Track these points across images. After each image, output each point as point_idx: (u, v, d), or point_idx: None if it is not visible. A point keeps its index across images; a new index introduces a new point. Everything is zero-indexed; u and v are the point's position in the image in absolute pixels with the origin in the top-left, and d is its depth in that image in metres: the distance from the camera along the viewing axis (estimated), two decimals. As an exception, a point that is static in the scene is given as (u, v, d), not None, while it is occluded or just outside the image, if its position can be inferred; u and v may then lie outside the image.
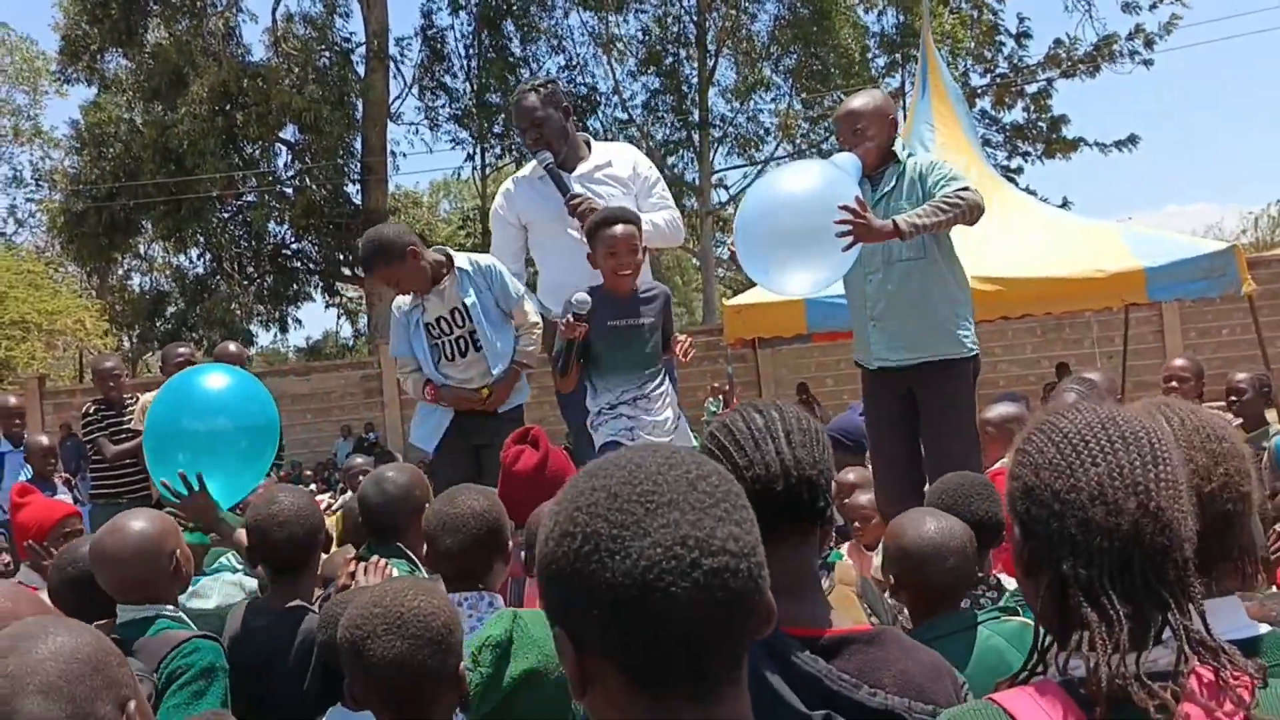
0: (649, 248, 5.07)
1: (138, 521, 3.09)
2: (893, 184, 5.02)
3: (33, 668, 1.59)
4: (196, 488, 4.05)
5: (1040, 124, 29.90)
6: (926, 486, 4.71)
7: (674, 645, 1.15)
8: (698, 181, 28.85)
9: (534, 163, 5.53)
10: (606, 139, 28.84)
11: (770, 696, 1.69)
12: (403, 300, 5.39)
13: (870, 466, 5.37)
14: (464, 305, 5.29)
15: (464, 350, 5.33)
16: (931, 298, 4.96)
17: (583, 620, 1.18)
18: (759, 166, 30.67)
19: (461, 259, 5.37)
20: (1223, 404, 6.31)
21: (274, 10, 29.19)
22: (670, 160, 29.06)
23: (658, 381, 4.79)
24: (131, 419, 7.78)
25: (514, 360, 5.35)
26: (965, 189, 4.82)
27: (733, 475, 1.28)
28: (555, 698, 2.50)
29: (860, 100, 5.20)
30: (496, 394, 5.30)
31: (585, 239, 4.83)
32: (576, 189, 5.26)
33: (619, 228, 4.65)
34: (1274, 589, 2.97)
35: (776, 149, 30.27)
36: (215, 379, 4.84)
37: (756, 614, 1.20)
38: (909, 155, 5.12)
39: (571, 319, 4.58)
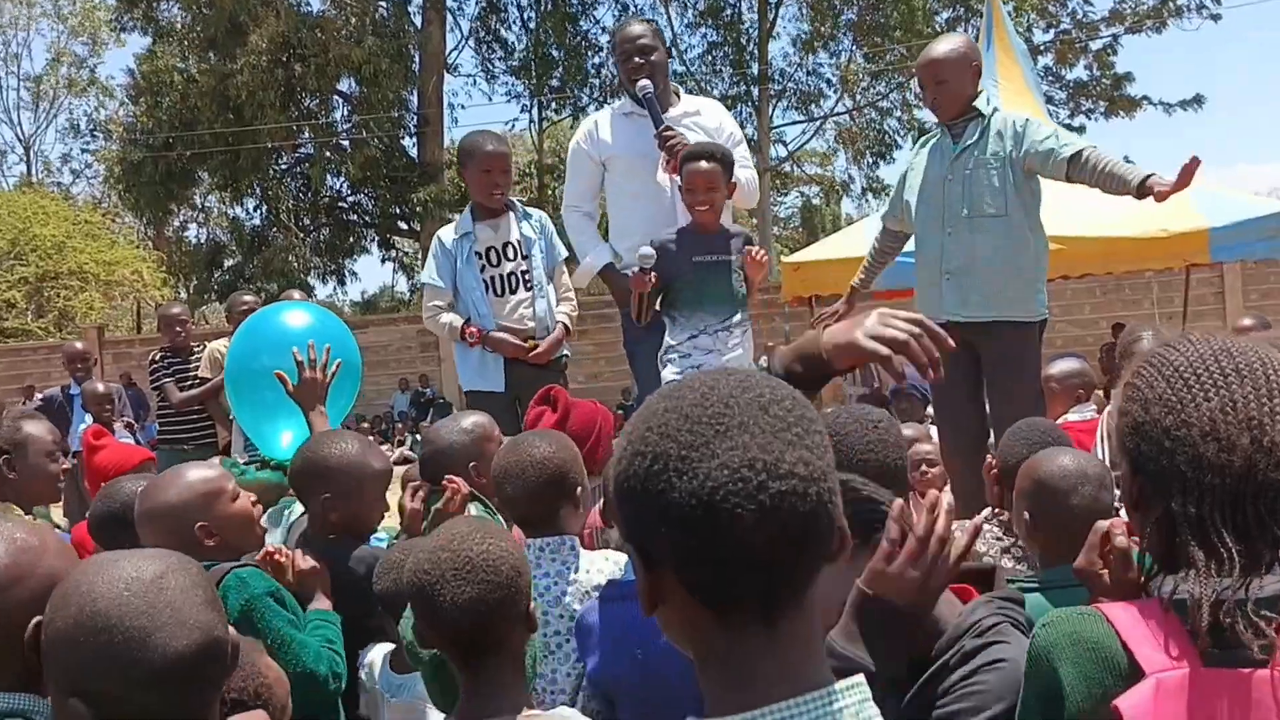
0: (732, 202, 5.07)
1: (162, 489, 2.97)
2: (976, 136, 4.94)
3: (185, 588, 1.66)
4: (322, 363, 3.94)
5: (1103, 82, 29.43)
6: (991, 440, 4.72)
7: (740, 567, 1.15)
8: (755, 137, 28.64)
9: (619, 102, 5.51)
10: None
11: None
12: (448, 231, 5.40)
13: (937, 422, 5.35)
14: (521, 238, 5.31)
15: (514, 287, 5.32)
16: (1010, 257, 4.89)
17: (651, 539, 1.19)
18: (818, 122, 30.42)
19: (515, 201, 5.45)
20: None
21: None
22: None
23: (740, 323, 4.80)
24: (199, 366, 7.91)
25: (560, 322, 5.39)
26: (1079, 154, 4.75)
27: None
28: None
29: (943, 47, 5.07)
30: (545, 348, 5.31)
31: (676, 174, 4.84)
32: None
33: (702, 163, 4.66)
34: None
35: (836, 104, 30.00)
36: (296, 316, 4.86)
37: (827, 539, 1.20)
38: (994, 110, 5.02)
39: (639, 271, 4.62)
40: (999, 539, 3.32)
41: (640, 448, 1.20)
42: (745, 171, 5.29)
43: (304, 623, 2.83)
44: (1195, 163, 4.41)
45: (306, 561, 3.01)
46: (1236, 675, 1.41)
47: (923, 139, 5.42)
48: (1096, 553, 1.92)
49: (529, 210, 5.55)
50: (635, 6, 29.58)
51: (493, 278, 5.32)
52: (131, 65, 30.11)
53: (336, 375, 4.01)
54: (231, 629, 1.73)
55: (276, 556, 2.99)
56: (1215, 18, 28.49)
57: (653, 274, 4.64)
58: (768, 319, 20.98)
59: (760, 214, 29.35)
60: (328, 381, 3.95)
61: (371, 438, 19.34)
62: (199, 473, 3.05)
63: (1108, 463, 3.07)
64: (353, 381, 4.70)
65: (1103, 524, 1.93)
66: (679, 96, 5.48)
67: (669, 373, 4.69)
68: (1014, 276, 4.91)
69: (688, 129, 5.22)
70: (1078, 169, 4.77)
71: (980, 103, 5.00)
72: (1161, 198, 4.51)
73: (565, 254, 5.47)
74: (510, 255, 5.33)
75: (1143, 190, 4.56)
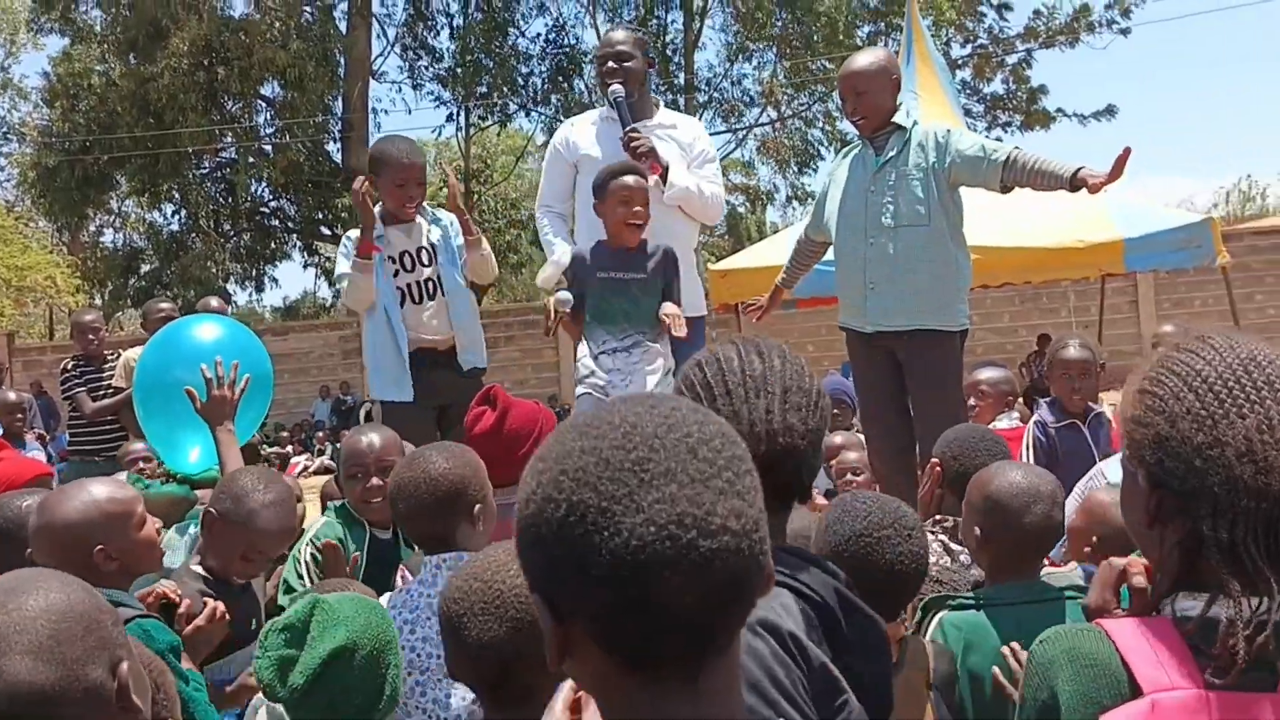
0: (688, 212, 5.09)
1: (64, 504, 2.75)
2: (898, 149, 4.97)
3: (22, 625, 1.50)
4: (230, 379, 3.90)
5: (1019, 95, 29.97)
6: (918, 448, 4.79)
7: (664, 627, 1.06)
8: (679, 146, 28.71)
9: (598, 111, 5.49)
10: (591, 100, 28.70)
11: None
12: (353, 234, 5.33)
13: (863, 429, 5.41)
14: (431, 244, 5.29)
15: (431, 294, 5.28)
16: (933, 267, 4.92)
17: (564, 593, 1.09)
18: (743, 133, 30.63)
19: (424, 205, 5.42)
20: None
21: (256, -36, 28.88)
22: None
23: (645, 345, 4.66)
24: (113, 375, 7.69)
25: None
26: (1009, 159, 4.81)
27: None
28: (365, 673, 2.30)
29: (863, 60, 5.11)
30: (462, 208, 5.35)
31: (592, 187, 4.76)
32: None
33: (632, 178, 4.61)
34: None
35: (760, 115, 30.21)
36: (207, 329, 4.82)
37: (756, 590, 1.11)
38: (915, 123, 5.07)
39: (553, 309, 4.65)
40: (945, 546, 3.27)
41: (553, 493, 1.08)
42: (711, 186, 5.29)
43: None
44: (1127, 153, 4.47)
45: (204, 609, 2.84)
46: (1245, 699, 1.36)
47: (844, 151, 5.45)
48: (1111, 591, 1.82)
49: (438, 214, 5.49)
50: (562, 15, 29.64)
51: (409, 284, 5.26)
52: (47, 68, 29.47)
53: (246, 390, 3.98)
54: (125, 666, 1.59)
55: (172, 597, 2.83)
56: (1125, 32, 29.17)
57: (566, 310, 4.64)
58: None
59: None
60: (236, 399, 3.90)
61: (290, 447, 19.03)
62: (107, 491, 2.84)
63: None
64: (263, 394, 4.68)
65: (1118, 561, 1.82)
66: (659, 108, 5.45)
67: (579, 390, 4.67)
68: (936, 286, 4.93)
69: (662, 140, 5.21)
70: (1010, 171, 4.81)
71: (901, 117, 5.04)
72: (1095, 189, 4.57)
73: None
74: (425, 260, 5.28)
75: (1075, 183, 4.61)
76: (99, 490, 2.81)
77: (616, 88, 5.15)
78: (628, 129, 5.05)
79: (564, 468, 1.09)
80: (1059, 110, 29.54)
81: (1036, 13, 29.80)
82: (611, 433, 1.09)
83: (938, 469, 3.38)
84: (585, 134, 5.37)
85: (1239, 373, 1.43)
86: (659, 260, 4.72)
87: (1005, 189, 4.92)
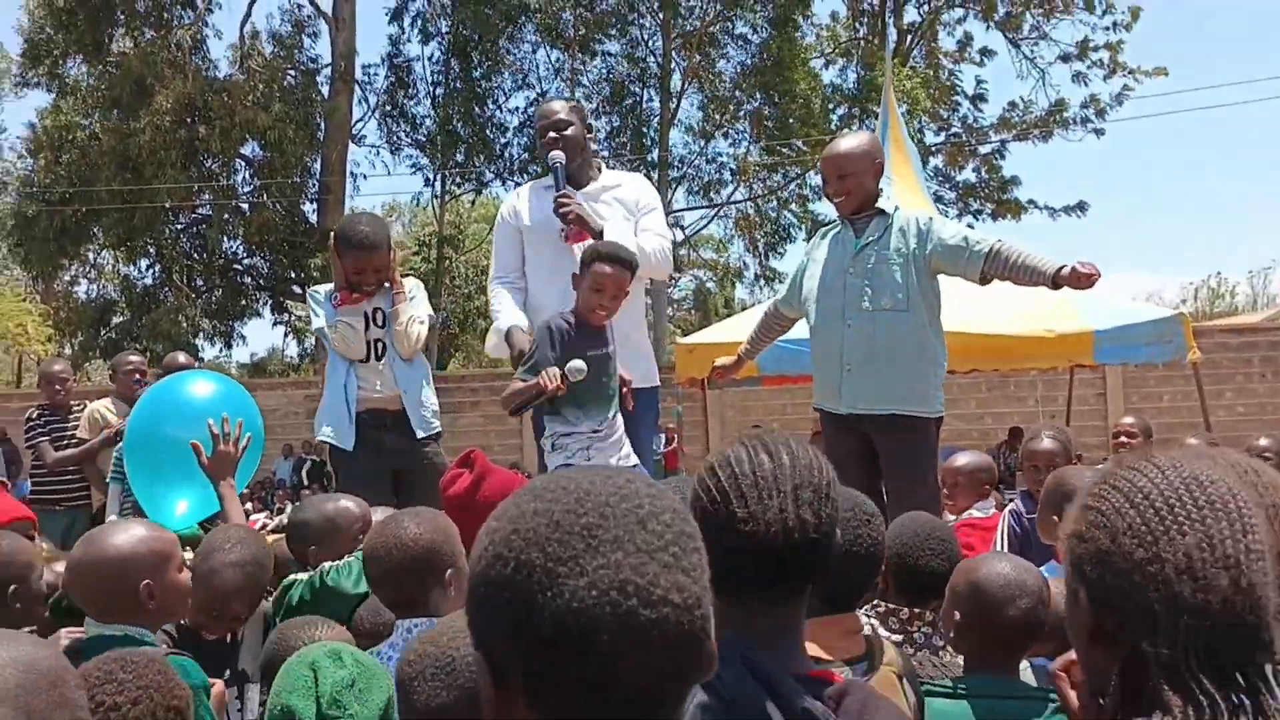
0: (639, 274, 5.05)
1: (115, 538, 2.86)
2: (880, 233, 4.99)
3: None
4: (235, 436, 3.98)
5: (991, 184, 30.38)
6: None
7: (602, 695, 1.07)
8: (654, 221, 28.91)
9: (543, 180, 5.46)
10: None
11: None
12: (323, 289, 5.36)
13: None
14: (381, 308, 5.29)
15: (380, 354, 5.27)
16: (910, 352, 4.91)
17: (504, 652, 1.11)
18: (717, 209, 30.88)
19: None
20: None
21: (241, 27, 29.10)
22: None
23: (613, 423, 4.62)
24: (77, 425, 7.68)
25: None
26: (993, 250, 4.84)
27: (705, 516, 1.22)
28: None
29: (848, 143, 5.13)
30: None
31: (580, 259, 4.65)
32: (578, 200, 5.11)
33: (612, 268, 4.45)
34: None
35: (734, 192, 30.54)
36: (201, 386, 4.80)
37: (696, 666, 1.11)
38: (897, 208, 5.10)
39: (560, 380, 4.31)
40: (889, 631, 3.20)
41: (503, 551, 1.11)
42: (655, 240, 5.20)
43: None
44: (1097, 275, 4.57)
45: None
46: None
47: (822, 230, 5.45)
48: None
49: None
50: (540, 90, 29.96)
51: (368, 342, 5.27)
52: (32, 119, 29.49)
53: (247, 448, 4.05)
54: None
55: None
56: (1099, 132, 29.71)
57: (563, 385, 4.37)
58: (661, 398, 21.08)
59: (654, 294, 29.61)
60: (239, 455, 3.98)
61: (250, 505, 18.88)
62: (153, 531, 2.94)
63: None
64: (256, 450, 4.67)
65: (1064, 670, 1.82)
66: (600, 171, 5.44)
67: (558, 459, 4.50)
68: (913, 371, 4.93)
69: (605, 204, 5.20)
70: (992, 264, 4.84)
71: (884, 202, 5.07)
72: (1081, 284, 4.60)
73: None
74: (379, 322, 5.28)
75: (1058, 281, 4.65)
76: (144, 530, 2.92)
77: (556, 154, 5.17)
78: (557, 195, 5.06)
79: (516, 527, 1.11)
80: (1030, 201, 29.98)
81: (1011, 104, 30.39)
82: (565, 497, 1.12)
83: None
84: (525, 203, 5.39)
85: (1181, 491, 1.43)
86: (613, 334, 4.69)
87: (984, 281, 4.94)
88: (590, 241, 4.85)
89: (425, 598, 2.79)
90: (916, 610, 3.10)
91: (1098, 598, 1.46)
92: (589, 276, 4.48)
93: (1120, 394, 19.69)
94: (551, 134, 5.22)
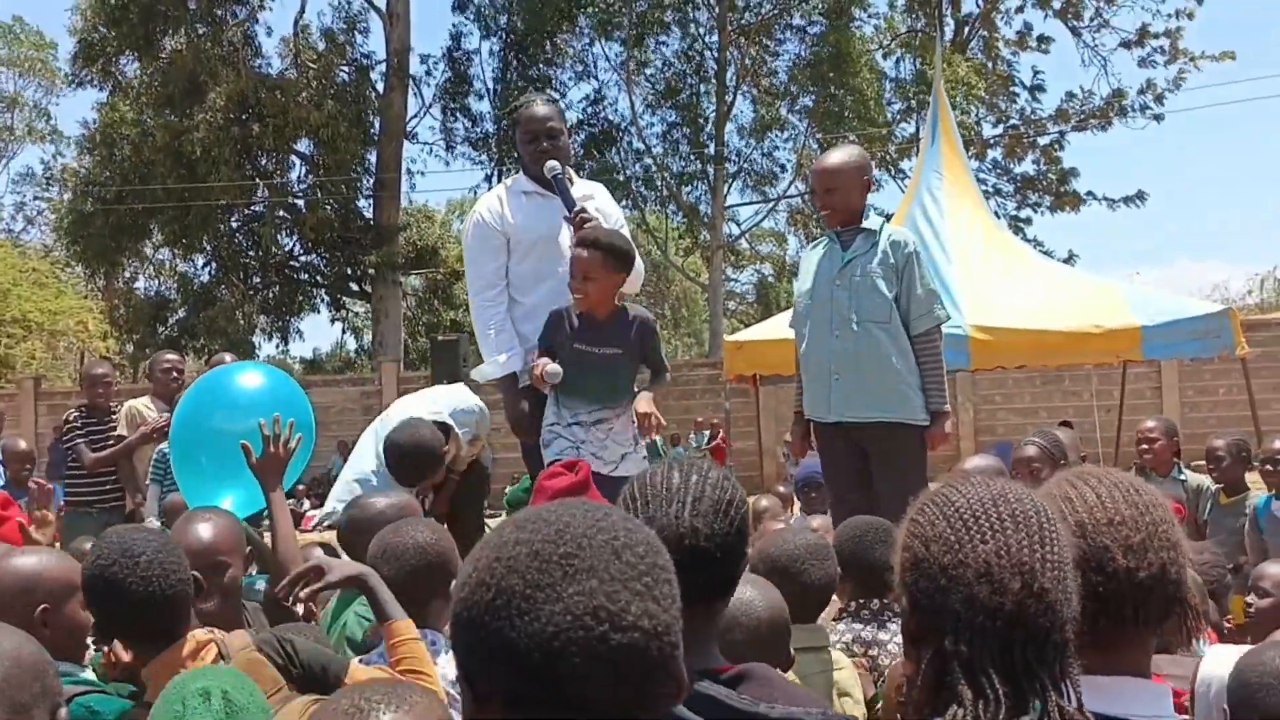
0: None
1: (22, 558, 2.71)
2: (865, 250, 5.08)
3: None
4: (285, 438, 3.79)
5: (1050, 176, 30.07)
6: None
7: (575, 716, 1.13)
8: (710, 214, 28.96)
9: (513, 180, 5.29)
10: (624, 169, 28.79)
11: None
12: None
13: (830, 514, 5.40)
14: None
15: None
16: (895, 363, 5.02)
17: (485, 674, 1.16)
18: (772, 203, 30.81)
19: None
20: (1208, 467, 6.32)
21: (295, 24, 29.45)
22: (685, 191, 29.33)
23: (614, 421, 4.65)
24: (115, 428, 7.58)
25: None
26: (937, 328, 5.08)
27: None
28: None
29: (835, 158, 5.25)
30: None
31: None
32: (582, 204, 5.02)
33: (586, 251, 4.52)
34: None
35: (789, 186, 30.45)
36: (250, 377, 4.79)
37: (664, 692, 1.18)
38: (882, 225, 5.19)
39: (542, 378, 4.50)
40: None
41: (485, 578, 1.17)
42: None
43: None
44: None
45: None
46: None
47: (813, 243, 5.56)
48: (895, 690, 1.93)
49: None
50: (600, 84, 30.03)
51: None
52: (87, 115, 29.96)
53: (297, 448, 3.90)
54: (63, 711, 1.68)
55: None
56: (1158, 118, 29.29)
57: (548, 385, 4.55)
58: (714, 394, 21.13)
59: (712, 289, 29.61)
60: (288, 458, 3.83)
61: (307, 501, 19.00)
62: (64, 561, 2.77)
63: None
64: (306, 444, 4.61)
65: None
66: (573, 181, 5.24)
67: (550, 454, 4.57)
68: (899, 380, 5.03)
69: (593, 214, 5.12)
70: (925, 339, 5.06)
71: (871, 223, 5.16)
72: (932, 441, 5.05)
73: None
74: None
75: (930, 415, 5.02)
76: (58, 558, 2.80)
77: (553, 164, 4.98)
78: (575, 210, 4.91)
79: (499, 555, 1.18)
80: (1089, 193, 29.63)
81: (1070, 95, 30.02)
82: (545, 529, 1.19)
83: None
84: (510, 208, 5.13)
85: (987, 505, 1.57)
86: (636, 332, 4.68)
87: (911, 338, 5.07)
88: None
89: (427, 606, 2.84)
90: (885, 600, 3.41)
91: (913, 601, 1.59)
92: (570, 263, 4.61)
93: (1176, 387, 19.43)
94: (546, 143, 5.05)
